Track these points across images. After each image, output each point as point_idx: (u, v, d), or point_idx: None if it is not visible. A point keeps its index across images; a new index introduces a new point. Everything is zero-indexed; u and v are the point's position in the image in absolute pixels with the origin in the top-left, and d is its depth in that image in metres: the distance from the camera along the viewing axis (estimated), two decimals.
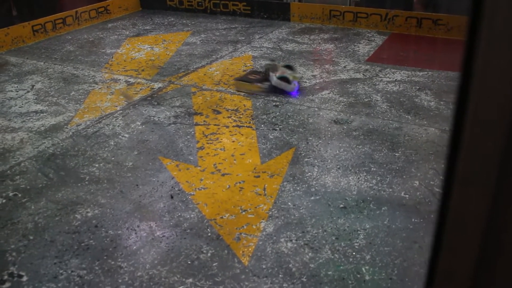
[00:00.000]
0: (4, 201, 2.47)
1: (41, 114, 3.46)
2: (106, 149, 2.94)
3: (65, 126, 3.26)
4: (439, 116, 3.22)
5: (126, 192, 2.51)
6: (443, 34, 4.96)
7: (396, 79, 3.86)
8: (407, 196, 2.39)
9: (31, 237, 2.21)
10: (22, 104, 3.65)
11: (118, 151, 2.92)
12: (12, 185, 2.60)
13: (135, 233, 2.20)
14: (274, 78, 3.56)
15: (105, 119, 3.34)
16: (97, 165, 2.77)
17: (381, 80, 3.86)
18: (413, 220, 2.22)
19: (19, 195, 2.52)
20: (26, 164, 2.82)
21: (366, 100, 3.50)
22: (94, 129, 3.19)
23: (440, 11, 5.39)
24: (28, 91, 3.89)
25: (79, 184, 2.60)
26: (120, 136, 3.09)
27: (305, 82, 3.87)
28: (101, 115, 3.40)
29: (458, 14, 4.95)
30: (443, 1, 5.90)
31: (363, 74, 3.99)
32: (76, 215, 2.34)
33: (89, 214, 2.34)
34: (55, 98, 3.73)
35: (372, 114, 3.27)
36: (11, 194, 2.52)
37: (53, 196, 2.51)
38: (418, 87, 3.70)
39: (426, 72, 4.00)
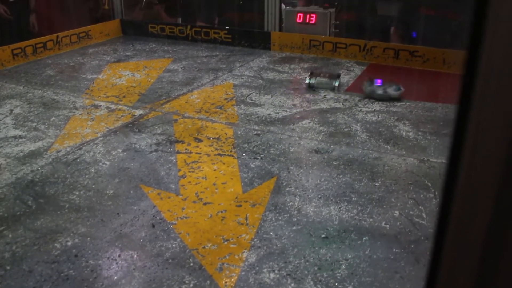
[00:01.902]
0: None
1: (20, 140, 3.42)
2: (86, 176, 2.92)
3: (45, 152, 3.23)
4: (417, 146, 3.29)
5: (107, 221, 2.49)
6: (419, 65, 5.09)
7: (375, 109, 3.94)
8: (387, 226, 2.42)
9: (8, 267, 2.16)
10: (0, 129, 3.60)
11: (99, 178, 2.90)
12: None
13: (116, 263, 2.17)
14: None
15: (85, 145, 3.32)
16: (77, 193, 2.74)
17: (360, 110, 3.93)
18: (394, 250, 2.24)
19: None
20: (4, 191, 2.77)
21: (346, 129, 3.55)
22: (75, 156, 3.17)
23: (416, 43, 5.54)
24: (6, 116, 3.85)
25: (58, 212, 2.56)
26: (100, 163, 3.07)
27: (286, 111, 3.92)
28: (82, 142, 3.38)
29: (433, 46, 5.10)
30: (419, 33, 6.07)
31: (342, 104, 4.06)
32: (55, 244, 2.31)
33: (69, 243, 2.31)
34: (35, 124, 3.70)
35: (352, 144, 3.32)
36: None
37: (31, 224, 2.47)
38: (396, 117, 3.78)
39: (403, 103, 4.08)
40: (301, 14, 5.61)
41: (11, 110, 3.96)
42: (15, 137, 3.47)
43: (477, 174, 0.56)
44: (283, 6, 5.94)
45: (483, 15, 0.53)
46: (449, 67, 4.93)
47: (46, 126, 3.66)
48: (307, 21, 5.58)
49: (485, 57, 0.54)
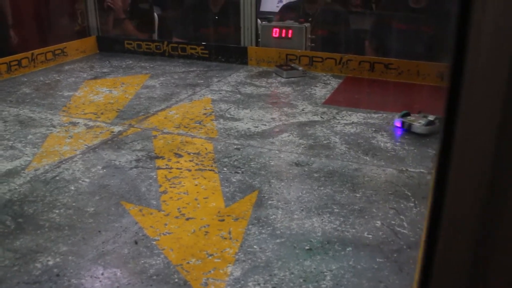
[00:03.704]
0: None
1: None
2: (66, 194, 2.88)
3: (22, 171, 3.18)
4: (396, 157, 3.34)
5: (88, 239, 2.46)
6: (394, 77, 5.19)
7: (353, 121, 3.99)
8: (370, 236, 2.45)
9: None
10: None
11: (79, 196, 2.86)
12: None
13: (100, 282, 2.14)
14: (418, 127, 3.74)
15: (64, 163, 3.28)
16: (57, 211, 2.70)
17: (339, 122, 3.98)
18: (377, 260, 2.27)
19: None
20: None
21: (325, 142, 3.59)
22: (53, 174, 3.13)
23: (390, 55, 5.64)
24: None
25: (38, 231, 2.52)
26: (80, 181, 3.04)
27: (265, 124, 3.94)
28: (60, 159, 3.34)
29: (407, 58, 5.21)
30: (393, 46, 6.19)
31: (321, 117, 4.11)
32: (36, 264, 2.27)
33: (50, 263, 2.27)
34: (11, 142, 3.64)
35: (331, 156, 3.35)
36: None
37: (10, 244, 2.42)
38: (374, 129, 3.83)
39: (380, 114, 4.15)
40: (277, 29, 5.67)
41: None
42: None
43: (466, 176, 0.58)
44: (259, 21, 6.01)
45: (466, 21, 0.55)
46: (423, 79, 5.03)
47: (23, 144, 3.60)
48: (283, 35, 5.64)
49: (470, 62, 0.57)
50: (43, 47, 5.79)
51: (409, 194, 2.85)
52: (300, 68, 5.34)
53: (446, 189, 0.58)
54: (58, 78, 5.38)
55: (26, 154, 3.44)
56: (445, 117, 0.57)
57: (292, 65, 5.45)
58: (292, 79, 5.21)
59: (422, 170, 3.14)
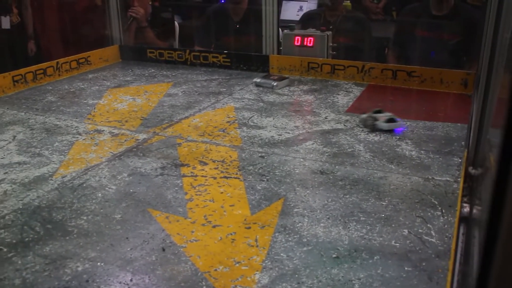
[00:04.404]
0: None
1: (24, 166, 3.42)
2: (93, 201, 2.92)
3: (50, 178, 3.23)
4: (421, 165, 3.31)
5: (117, 245, 2.48)
6: (417, 85, 5.16)
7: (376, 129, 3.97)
8: (397, 244, 2.43)
9: None
10: (4, 155, 3.60)
11: (106, 203, 2.89)
12: None
13: None
14: (382, 124, 3.95)
15: (90, 170, 3.32)
16: (85, 218, 2.74)
17: (362, 130, 3.97)
18: (405, 268, 2.25)
19: (5, 249, 2.46)
20: (11, 217, 2.76)
21: (349, 150, 3.58)
22: (80, 181, 3.17)
23: (411, 63, 5.62)
24: (9, 142, 3.85)
25: (67, 238, 2.56)
26: (107, 188, 3.07)
27: (288, 133, 3.95)
28: (87, 167, 3.38)
29: (430, 66, 5.18)
30: (415, 54, 6.16)
31: (344, 125, 4.10)
32: (66, 270, 2.29)
33: (80, 269, 2.30)
34: (38, 149, 3.70)
35: (356, 164, 3.34)
36: None
37: (40, 250, 2.46)
38: (398, 137, 3.81)
39: (404, 122, 4.12)
40: (299, 37, 5.69)
41: (14, 136, 3.97)
42: (19, 163, 3.47)
43: None
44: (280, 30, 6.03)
45: None
46: (446, 87, 5.00)
47: (50, 151, 3.66)
48: (305, 44, 5.65)
49: None
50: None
51: (436, 202, 2.83)
52: (275, 84, 5.23)
53: (505, 199, 0.57)
54: (82, 86, 5.46)
55: (53, 161, 3.49)
56: (506, 123, 0.56)
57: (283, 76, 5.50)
58: (314, 87, 5.22)
59: (448, 179, 3.11)
